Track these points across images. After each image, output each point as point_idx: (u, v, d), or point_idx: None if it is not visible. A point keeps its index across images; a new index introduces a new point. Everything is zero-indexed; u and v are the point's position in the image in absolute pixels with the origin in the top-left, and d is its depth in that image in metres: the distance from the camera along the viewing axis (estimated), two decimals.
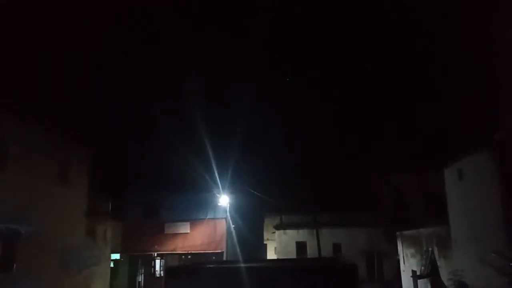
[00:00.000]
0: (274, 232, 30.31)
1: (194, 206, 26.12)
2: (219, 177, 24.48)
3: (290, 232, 28.89)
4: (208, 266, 11.86)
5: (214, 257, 25.16)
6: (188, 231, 25.74)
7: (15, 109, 14.25)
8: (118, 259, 24.60)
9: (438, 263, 17.72)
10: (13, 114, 14.12)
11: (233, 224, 26.72)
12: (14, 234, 13.90)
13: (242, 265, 11.13)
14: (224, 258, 24.77)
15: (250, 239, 28.18)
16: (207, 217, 25.91)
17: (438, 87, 20.33)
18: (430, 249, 18.59)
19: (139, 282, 26.44)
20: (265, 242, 34.12)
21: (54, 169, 16.61)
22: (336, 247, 27.25)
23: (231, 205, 26.25)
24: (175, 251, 25.68)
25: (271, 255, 32.87)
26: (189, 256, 26.40)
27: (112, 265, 22.73)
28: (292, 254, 27.93)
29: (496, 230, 12.75)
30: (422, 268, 19.08)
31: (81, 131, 18.77)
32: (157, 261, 27.61)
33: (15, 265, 13.92)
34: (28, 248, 14.38)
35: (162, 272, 27.04)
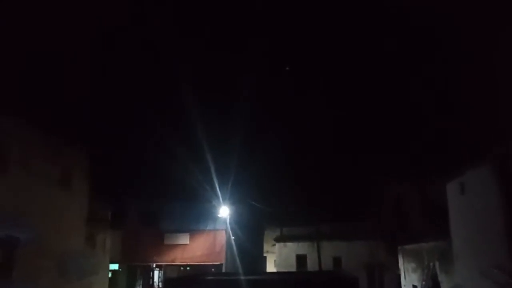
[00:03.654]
0: (274, 245, 30.13)
1: (194, 216, 26.00)
2: (219, 188, 24.43)
3: (290, 245, 28.71)
4: (207, 277, 11.79)
5: (213, 269, 24.98)
6: (188, 242, 25.59)
7: (17, 113, 14.25)
8: (116, 270, 24.42)
9: (440, 278, 17.57)
10: (15, 117, 14.09)
11: (233, 236, 26.59)
12: (13, 240, 13.82)
13: (242, 277, 11.06)
14: (223, 270, 24.59)
15: (250, 251, 27.99)
16: (207, 228, 25.77)
17: (442, 98, 20.32)
18: (431, 264, 18.45)
19: None
20: (264, 255, 33.92)
21: (55, 174, 16.53)
22: (337, 260, 27.04)
23: (231, 216, 26.14)
24: (174, 262, 25.50)
25: (270, 267, 32.64)
26: (188, 268, 26.22)
27: (110, 275, 22.55)
28: (292, 267, 27.72)
29: (498, 245, 12.66)
30: (423, 283, 18.91)
31: (84, 137, 18.78)
32: (156, 272, 27.42)
33: (13, 272, 13.82)
34: (27, 254, 14.24)
35: (160, 283, 26.85)
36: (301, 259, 28.24)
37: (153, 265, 26.43)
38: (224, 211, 25.49)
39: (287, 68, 27.69)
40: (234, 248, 26.46)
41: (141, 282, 26.60)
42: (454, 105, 18.97)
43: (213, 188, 24.26)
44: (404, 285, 22.65)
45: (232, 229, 26.43)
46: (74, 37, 18.90)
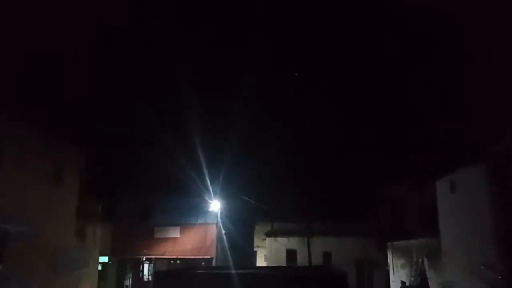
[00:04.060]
0: (264, 239, 30.22)
1: (185, 210, 25.92)
2: (211, 182, 24.40)
3: (281, 240, 28.81)
4: (197, 271, 11.80)
5: (203, 263, 24.98)
6: (178, 236, 25.54)
7: (10, 108, 14.16)
8: (106, 262, 24.31)
9: (428, 275, 17.72)
10: (8, 113, 14.02)
11: (223, 230, 26.58)
12: (3, 233, 13.71)
13: (232, 271, 11.08)
14: (214, 264, 24.61)
15: (241, 246, 28.06)
16: (198, 222, 25.72)
17: (442, 98, 20.39)
18: (420, 260, 18.59)
19: (127, 286, 26.15)
20: (255, 249, 34.02)
21: (47, 169, 16.49)
22: (326, 256, 27.18)
23: (222, 210, 26.12)
24: (165, 255, 25.45)
25: (260, 262, 32.76)
26: (178, 261, 26.19)
27: (100, 267, 22.47)
28: (282, 261, 27.82)
29: (487, 243, 12.78)
30: (412, 279, 19.07)
31: (76, 132, 18.71)
32: (146, 265, 27.35)
33: (1, 265, 13.70)
34: (18, 248, 14.17)
35: (150, 276, 26.81)
36: (291, 254, 28.35)
37: (143, 258, 26.36)
38: (216, 205, 25.46)
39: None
40: (225, 242, 26.48)
41: (130, 275, 26.53)
42: (454, 105, 19.04)
43: (205, 182, 24.23)
44: (393, 281, 22.83)
45: (223, 223, 26.43)
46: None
